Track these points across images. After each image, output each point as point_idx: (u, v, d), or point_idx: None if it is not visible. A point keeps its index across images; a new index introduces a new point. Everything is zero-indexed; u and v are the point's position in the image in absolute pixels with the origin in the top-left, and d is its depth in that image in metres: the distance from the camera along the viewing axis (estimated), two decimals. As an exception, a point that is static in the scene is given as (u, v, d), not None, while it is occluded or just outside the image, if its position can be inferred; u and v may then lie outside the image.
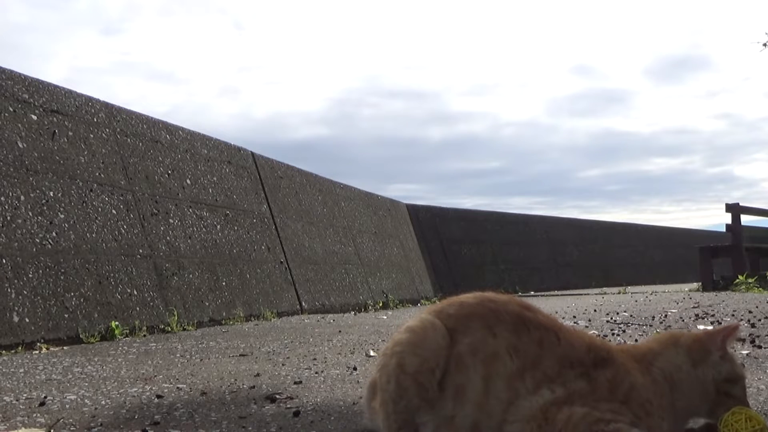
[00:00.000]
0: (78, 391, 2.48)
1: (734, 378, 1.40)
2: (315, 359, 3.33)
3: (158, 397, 2.36)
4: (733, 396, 1.39)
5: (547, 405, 1.21)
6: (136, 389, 2.52)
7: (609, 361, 1.27)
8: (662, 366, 1.33)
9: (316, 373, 2.88)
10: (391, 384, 1.34)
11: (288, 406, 2.18)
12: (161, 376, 2.84)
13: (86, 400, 2.31)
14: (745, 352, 3.14)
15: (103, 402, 2.29)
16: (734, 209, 10.42)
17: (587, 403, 1.20)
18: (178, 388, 2.55)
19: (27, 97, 4.62)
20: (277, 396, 2.32)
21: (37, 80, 4.78)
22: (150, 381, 2.72)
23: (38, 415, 2.08)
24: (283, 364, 3.16)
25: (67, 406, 2.22)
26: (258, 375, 2.83)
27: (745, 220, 11.03)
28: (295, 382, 2.62)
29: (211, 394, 2.40)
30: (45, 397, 2.34)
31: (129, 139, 5.52)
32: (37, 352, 3.78)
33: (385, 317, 6.40)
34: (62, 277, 4.34)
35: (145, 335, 4.70)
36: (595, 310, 6.13)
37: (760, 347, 3.29)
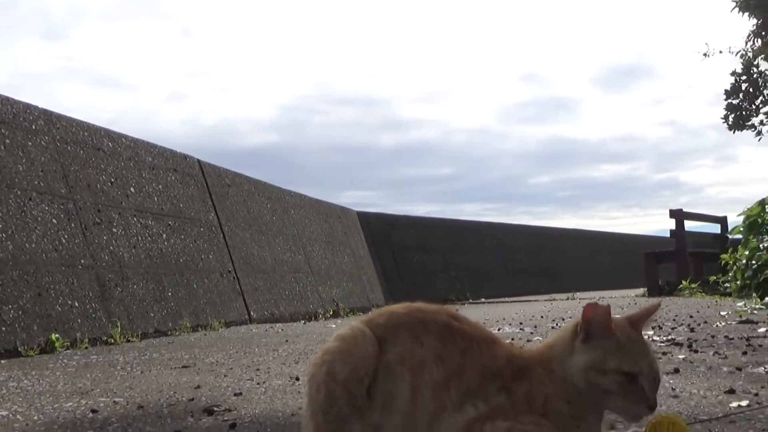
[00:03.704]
0: (11, 407, 2.42)
1: (604, 369, 1.22)
2: (258, 370, 3.30)
3: (93, 411, 2.30)
4: (610, 392, 1.22)
5: (471, 422, 1.22)
6: (71, 404, 2.46)
7: (526, 372, 1.28)
8: (556, 366, 1.27)
9: (258, 384, 2.85)
10: (321, 393, 1.33)
11: (225, 418, 2.15)
12: (98, 390, 2.78)
13: (18, 416, 2.25)
14: (681, 356, 3.21)
15: (35, 417, 2.23)
16: (678, 215, 10.64)
17: (509, 417, 1.21)
18: (114, 401, 2.50)
19: (-38, 104, 4.50)
20: (215, 408, 2.28)
21: (-26, 87, 4.65)
22: (86, 395, 2.66)
23: (-36, 432, 2.02)
24: (225, 375, 3.12)
25: (-3, 422, 2.16)
26: (198, 387, 2.79)
27: (690, 225, 11.29)
28: (236, 394, 2.58)
29: (148, 408, 2.36)
30: (-26, 414, 2.27)
31: (69, 147, 5.41)
32: (-29, 366, 3.67)
33: (334, 326, 6.38)
34: (-1, 289, 4.23)
35: (86, 347, 4.60)
36: (542, 317, 6.20)
37: (696, 351, 3.36)
